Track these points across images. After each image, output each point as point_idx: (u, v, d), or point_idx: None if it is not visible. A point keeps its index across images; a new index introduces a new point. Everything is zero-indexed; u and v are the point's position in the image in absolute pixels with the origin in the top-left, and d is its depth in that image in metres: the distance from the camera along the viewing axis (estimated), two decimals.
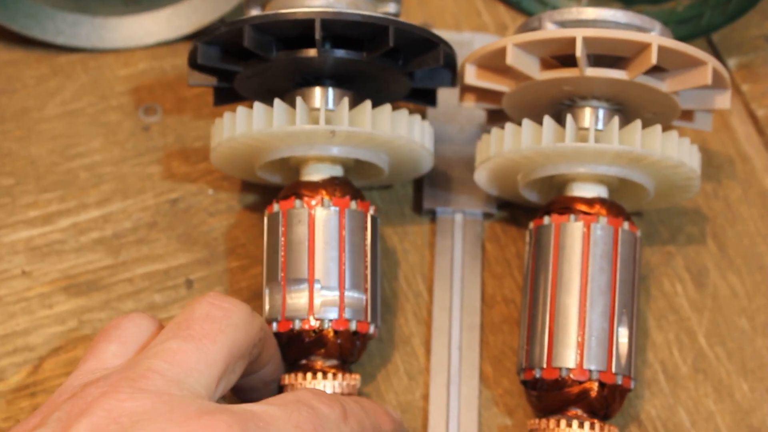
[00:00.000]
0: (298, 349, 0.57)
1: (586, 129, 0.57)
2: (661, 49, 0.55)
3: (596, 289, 0.56)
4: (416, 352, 0.61)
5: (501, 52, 0.57)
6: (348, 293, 0.57)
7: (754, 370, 0.60)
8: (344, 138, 0.57)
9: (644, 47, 0.55)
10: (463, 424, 0.59)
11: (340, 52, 0.57)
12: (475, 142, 0.62)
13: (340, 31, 0.57)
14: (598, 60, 0.57)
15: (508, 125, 0.57)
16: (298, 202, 0.57)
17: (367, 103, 0.57)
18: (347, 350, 0.57)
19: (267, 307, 0.57)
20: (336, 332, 0.56)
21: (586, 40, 0.55)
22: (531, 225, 0.58)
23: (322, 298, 0.56)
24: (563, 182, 0.58)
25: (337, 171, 0.59)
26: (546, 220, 0.57)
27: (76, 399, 0.48)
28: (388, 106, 0.57)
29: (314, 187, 0.58)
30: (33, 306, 0.62)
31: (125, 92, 0.67)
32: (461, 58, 0.60)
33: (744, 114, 0.67)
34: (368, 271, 0.57)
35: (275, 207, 0.58)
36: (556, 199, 0.58)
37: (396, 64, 0.58)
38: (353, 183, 0.59)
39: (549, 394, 0.55)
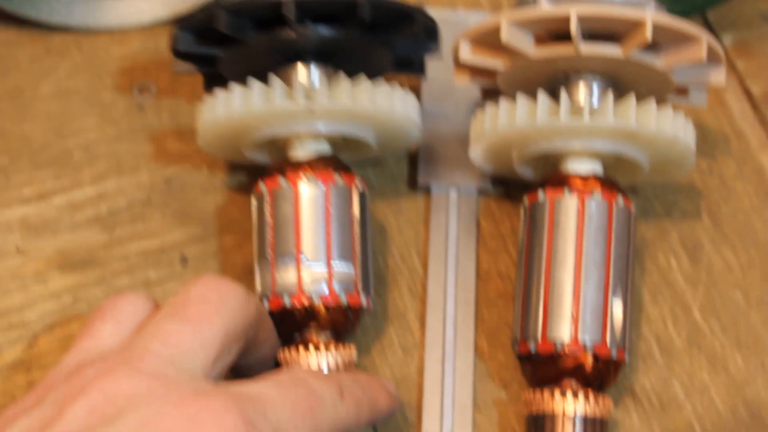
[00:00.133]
0: (290, 324, 0.57)
1: (581, 105, 0.57)
2: (656, 26, 0.55)
3: (591, 263, 0.56)
4: (411, 327, 0.61)
5: (496, 30, 0.57)
6: (336, 267, 0.57)
7: (749, 344, 0.61)
8: (324, 114, 0.57)
9: (639, 24, 0.55)
10: (458, 397, 0.59)
11: (316, 31, 0.57)
12: (470, 119, 0.62)
13: (315, 8, 0.57)
14: (593, 36, 0.57)
15: (503, 101, 0.57)
16: (282, 181, 0.58)
17: (344, 78, 0.57)
18: (340, 323, 0.57)
19: (258, 285, 0.58)
20: (326, 306, 0.56)
21: (581, 17, 0.55)
22: (525, 200, 0.58)
23: (310, 274, 0.56)
24: (558, 158, 0.58)
25: (324, 147, 0.59)
26: (540, 195, 0.57)
27: (72, 379, 0.48)
28: (366, 80, 0.57)
29: (298, 165, 0.58)
30: (28, 283, 0.62)
31: (119, 71, 0.67)
32: (456, 35, 0.60)
33: (739, 91, 0.67)
34: (357, 245, 0.57)
35: (261, 186, 0.58)
36: (551, 175, 0.58)
37: (374, 37, 0.58)
38: (341, 158, 0.59)
39: (544, 367, 0.56)
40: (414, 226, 0.63)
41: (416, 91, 0.65)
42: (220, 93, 0.58)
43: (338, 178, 0.58)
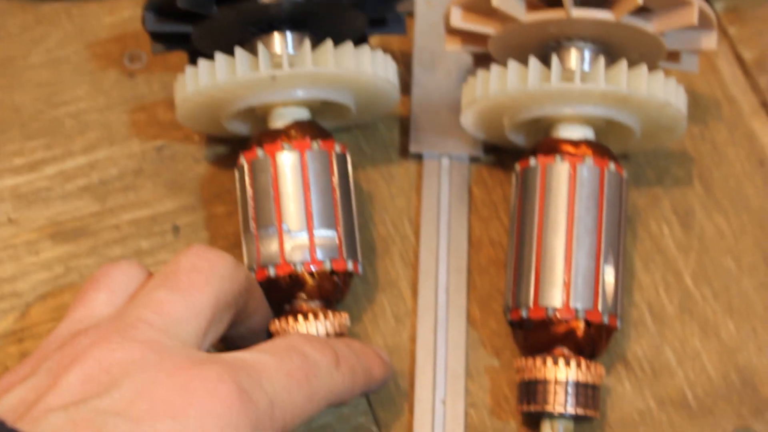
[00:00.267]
0: (278, 294, 0.57)
1: (572, 70, 0.57)
2: None
3: (582, 229, 0.56)
4: (403, 295, 0.61)
5: None
6: (318, 234, 0.57)
7: (740, 310, 0.61)
8: (288, 81, 0.57)
9: None
10: (450, 365, 0.59)
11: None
12: (461, 87, 0.62)
13: None
14: (584, 2, 0.56)
15: (494, 67, 0.57)
16: (259, 151, 0.57)
17: (306, 42, 0.57)
18: (328, 290, 0.57)
19: (245, 257, 0.58)
20: (311, 273, 0.56)
21: None
22: (517, 167, 0.58)
23: (291, 242, 0.56)
24: (549, 124, 0.58)
25: (302, 114, 0.59)
26: (532, 161, 0.57)
27: (66, 348, 0.48)
28: (330, 43, 0.57)
29: (275, 134, 0.58)
30: (20, 253, 0.62)
31: (110, 40, 0.67)
32: (447, 2, 0.60)
33: (731, 56, 0.67)
34: (339, 209, 0.57)
35: (241, 159, 0.58)
36: (542, 141, 0.58)
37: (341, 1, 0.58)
38: (324, 126, 0.59)
39: (535, 334, 0.56)
40: (406, 194, 0.63)
41: (408, 59, 0.65)
42: (189, 69, 0.58)
43: (315, 145, 0.57)
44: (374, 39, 0.65)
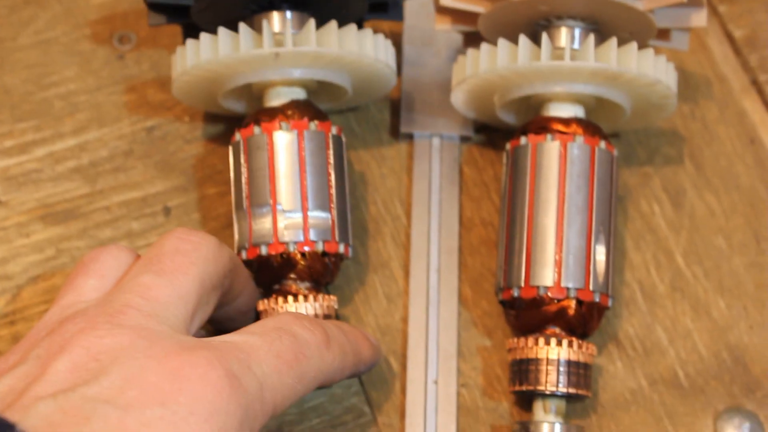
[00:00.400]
0: (268, 274, 0.57)
1: (562, 48, 0.57)
2: None
3: (573, 208, 0.56)
4: (395, 276, 0.61)
5: None
6: (312, 214, 0.56)
7: (731, 288, 0.61)
8: (291, 59, 0.57)
9: None
10: (442, 345, 0.59)
11: None
12: (451, 67, 0.62)
13: None
14: None
15: (484, 45, 0.57)
16: (256, 129, 0.57)
17: (312, 23, 0.57)
18: (318, 271, 0.57)
19: (236, 235, 0.58)
20: (303, 254, 0.56)
21: None
22: (508, 146, 0.58)
23: (285, 221, 0.56)
24: (540, 102, 0.58)
25: (299, 94, 0.58)
26: (523, 140, 0.57)
27: (54, 336, 0.48)
28: (334, 24, 0.57)
29: (273, 112, 0.58)
30: (10, 235, 0.62)
31: (99, 21, 0.66)
32: None
33: (721, 35, 0.67)
34: (333, 191, 0.57)
35: (237, 136, 0.58)
36: (533, 120, 0.58)
37: None
38: (318, 106, 0.59)
39: (527, 313, 0.56)
40: (397, 175, 0.63)
41: (398, 39, 0.65)
42: (190, 43, 0.57)
43: (312, 125, 0.57)
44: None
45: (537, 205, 0.56)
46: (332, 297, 0.57)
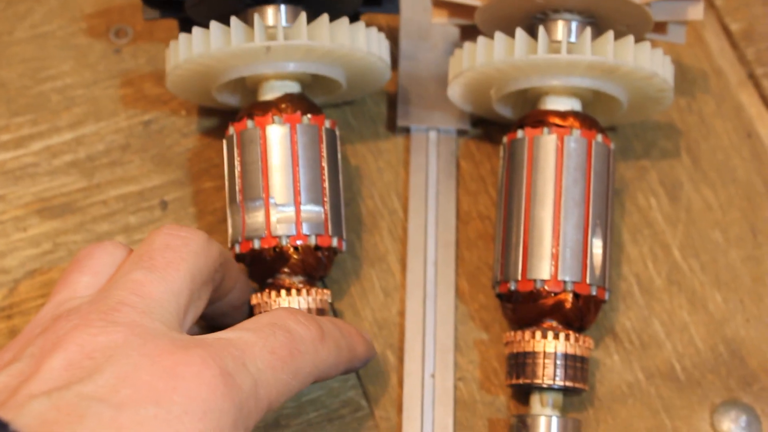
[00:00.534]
0: (262, 268, 0.57)
1: (559, 41, 0.57)
2: None
3: (570, 201, 0.56)
4: (392, 269, 0.61)
5: None
6: (305, 208, 0.56)
7: (728, 282, 0.61)
8: (283, 53, 0.57)
9: None
10: (439, 339, 0.59)
11: None
12: (448, 60, 0.62)
13: None
14: None
15: (481, 38, 0.57)
16: (250, 123, 0.57)
17: (302, 15, 0.56)
18: (311, 265, 0.57)
19: (230, 229, 0.58)
20: (296, 248, 0.56)
21: None
22: (505, 139, 0.58)
23: (278, 215, 0.56)
24: (536, 96, 0.58)
25: (293, 87, 0.58)
26: (519, 133, 0.57)
27: (48, 333, 0.48)
28: (326, 18, 0.57)
29: (266, 106, 0.58)
30: (7, 229, 0.62)
31: (95, 14, 0.66)
32: None
33: (718, 28, 0.67)
34: (326, 185, 0.57)
35: (230, 130, 0.58)
36: (530, 113, 0.58)
37: None
38: (312, 99, 0.59)
39: (524, 306, 0.56)
40: (394, 168, 0.63)
41: (394, 33, 0.65)
42: (182, 37, 0.57)
43: (305, 119, 0.57)
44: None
45: (534, 198, 0.56)
46: (326, 291, 0.57)
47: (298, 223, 0.56)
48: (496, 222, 0.59)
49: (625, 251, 0.61)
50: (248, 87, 0.59)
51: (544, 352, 0.55)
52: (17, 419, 0.43)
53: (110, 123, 0.64)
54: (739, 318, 0.60)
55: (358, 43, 0.57)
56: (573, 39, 0.57)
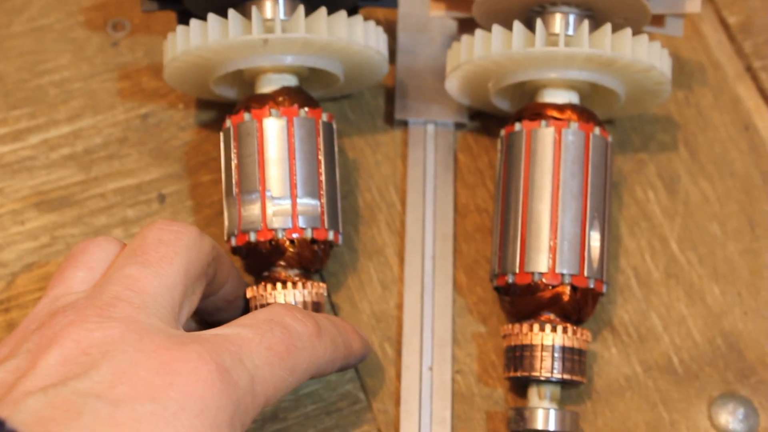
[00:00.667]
0: (257, 261, 0.57)
1: (556, 34, 0.57)
2: None
3: (568, 194, 0.56)
4: (390, 262, 0.61)
5: None
6: (301, 201, 0.56)
7: (725, 275, 0.61)
8: (280, 46, 0.57)
9: None
10: (437, 332, 0.59)
11: None
12: (446, 53, 0.62)
13: None
14: None
15: (478, 31, 0.57)
16: (246, 115, 0.57)
17: (300, 8, 0.56)
18: (307, 259, 0.57)
19: (226, 222, 0.58)
20: (292, 241, 0.56)
21: None
22: (502, 132, 0.58)
23: (274, 208, 0.56)
24: (534, 89, 0.58)
25: (290, 81, 0.58)
26: (517, 126, 0.57)
27: (44, 329, 0.48)
28: (324, 11, 0.57)
29: (263, 99, 0.57)
30: (5, 223, 0.61)
31: (93, 7, 0.66)
32: None
33: (715, 21, 0.67)
34: (323, 178, 0.57)
35: (227, 122, 0.58)
36: (527, 106, 0.58)
37: None
38: (311, 93, 0.59)
39: (522, 299, 0.56)
40: (391, 161, 0.63)
41: (392, 26, 0.65)
42: (180, 29, 0.57)
43: (302, 112, 0.57)
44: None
45: (531, 191, 0.56)
46: (322, 284, 0.57)
47: (294, 216, 0.56)
48: (493, 215, 0.59)
49: (623, 244, 0.61)
50: (246, 80, 0.59)
51: (542, 345, 0.55)
52: (13, 416, 0.43)
53: (108, 116, 0.64)
54: (737, 311, 0.60)
55: (355, 36, 0.57)
56: (570, 32, 0.57)
